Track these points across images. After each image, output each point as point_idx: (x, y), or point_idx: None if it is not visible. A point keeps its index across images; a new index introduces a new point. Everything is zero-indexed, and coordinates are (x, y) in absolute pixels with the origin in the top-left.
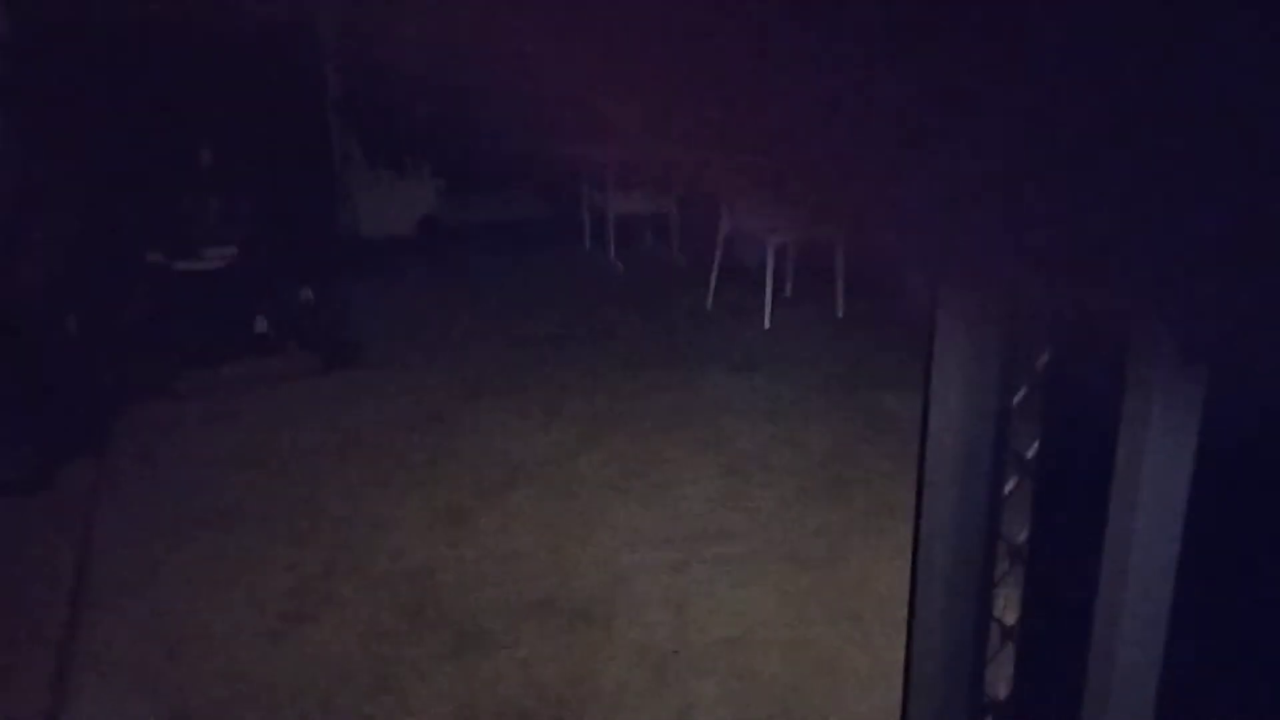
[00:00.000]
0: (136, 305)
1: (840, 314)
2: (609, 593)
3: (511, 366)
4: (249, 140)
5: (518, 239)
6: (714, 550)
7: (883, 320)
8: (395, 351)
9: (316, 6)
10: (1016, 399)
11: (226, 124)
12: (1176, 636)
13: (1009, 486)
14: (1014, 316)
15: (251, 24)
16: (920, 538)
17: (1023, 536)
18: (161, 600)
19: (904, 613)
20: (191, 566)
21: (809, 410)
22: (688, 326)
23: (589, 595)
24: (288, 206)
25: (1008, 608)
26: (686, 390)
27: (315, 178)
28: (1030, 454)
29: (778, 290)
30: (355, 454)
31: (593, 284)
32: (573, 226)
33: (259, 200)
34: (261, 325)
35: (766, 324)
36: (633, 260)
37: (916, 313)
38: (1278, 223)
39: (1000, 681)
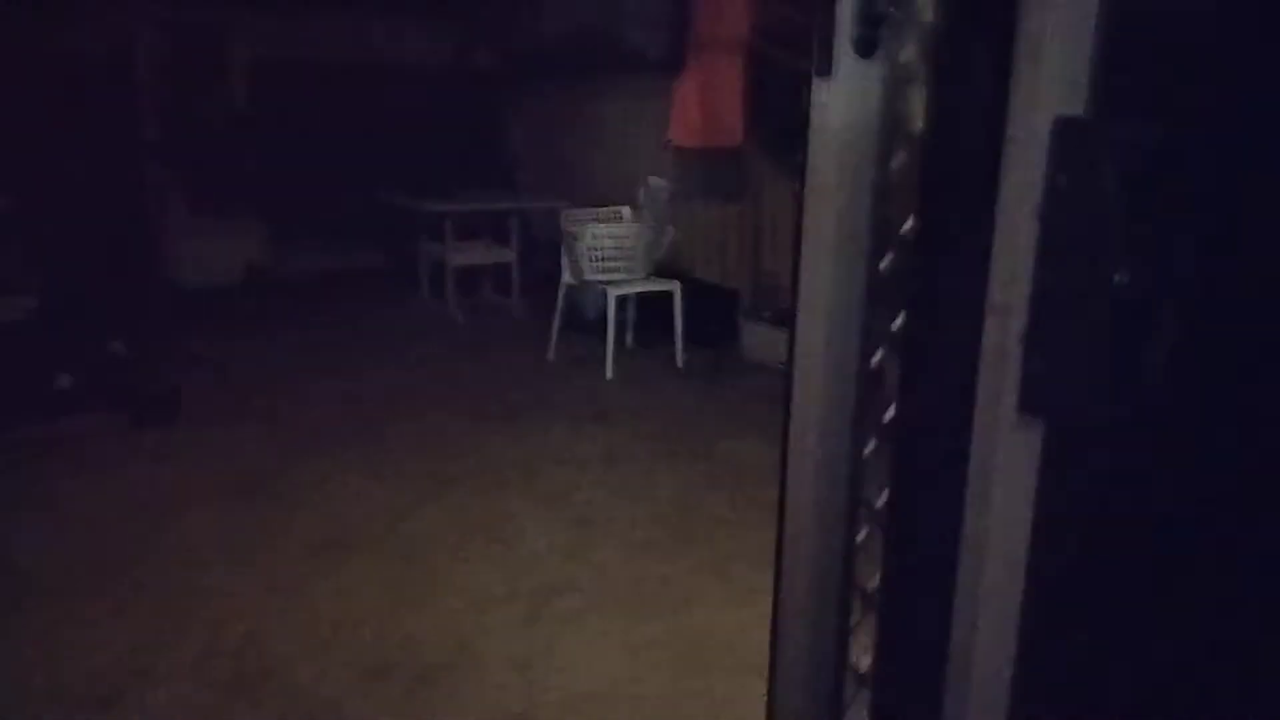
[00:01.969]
0: None
1: (680, 364)
2: (452, 655)
3: (346, 423)
4: (54, 183)
5: (351, 289)
6: (559, 606)
7: (720, 370)
8: (218, 408)
9: (131, 42)
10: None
11: (29, 165)
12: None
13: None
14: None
15: (58, 58)
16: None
17: (873, 583)
18: None
19: (749, 661)
20: None
21: (652, 460)
22: (530, 378)
23: (432, 659)
24: (96, 253)
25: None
26: (529, 443)
27: (128, 224)
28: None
29: (619, 341)
30: (174, 520)
31: (432, 336)
32: (410, 277)
33: (63, 247)
34: (64, 381)
35: (609, 375)
36: (473, 311)
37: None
38: None
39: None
